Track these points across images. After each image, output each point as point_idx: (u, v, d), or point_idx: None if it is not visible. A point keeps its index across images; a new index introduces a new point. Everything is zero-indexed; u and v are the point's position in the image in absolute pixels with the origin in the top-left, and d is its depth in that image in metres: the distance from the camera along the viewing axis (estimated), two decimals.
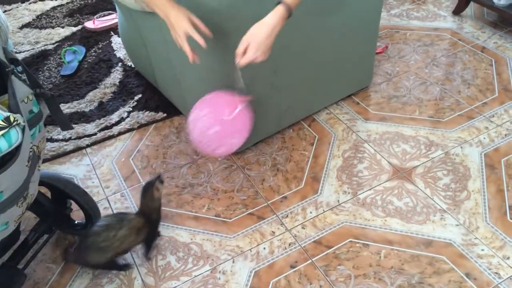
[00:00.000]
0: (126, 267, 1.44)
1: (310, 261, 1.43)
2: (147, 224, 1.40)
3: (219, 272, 1.42)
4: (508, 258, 1.38)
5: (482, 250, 1.41)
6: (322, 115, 1.94)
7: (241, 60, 1.30)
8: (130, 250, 1.45)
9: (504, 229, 1.46)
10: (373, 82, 2.07)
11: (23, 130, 0.92)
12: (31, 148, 1.00)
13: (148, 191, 1.41)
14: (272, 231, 1.52)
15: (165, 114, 1.99)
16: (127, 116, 1.99)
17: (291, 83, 1.71)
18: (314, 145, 1.81)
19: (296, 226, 1.53)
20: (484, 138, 1.77)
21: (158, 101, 2.05)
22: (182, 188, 1.69)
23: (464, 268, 1.37)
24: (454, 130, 1.81)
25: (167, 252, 1.48)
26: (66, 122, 1.16)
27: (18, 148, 0.92)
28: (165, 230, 1.55)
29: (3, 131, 0.87)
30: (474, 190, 1.58)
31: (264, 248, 1.48)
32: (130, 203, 1.64)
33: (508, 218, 1.49)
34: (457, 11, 2.44)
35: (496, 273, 1.35)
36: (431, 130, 1.83)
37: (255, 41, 1.27)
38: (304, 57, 1.66)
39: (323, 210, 1.57)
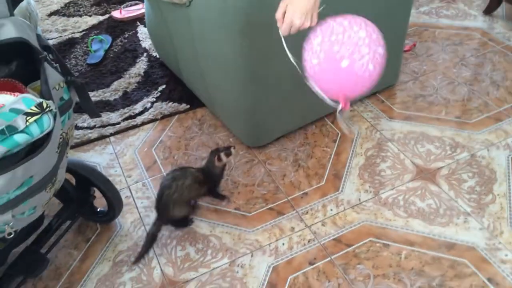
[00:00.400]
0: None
1: (329, 258, 1.42)
2: (207, 180, 1.52)
3: (238, 265, 1.42)
4: None
5: (506, 255, 1.38)
6: (345, 112, 1.92)
7: (282, 27, 1.13)
8: (197, 200, 1.59)
9: None
10: (400, 80, 2.04)
11: (54, 116, 0.94)
12: (61, 134, 1.02)
13: (212, 156, 1.51)
14: (292, 227, 1.52)
15: (188, 106, 2.00)
16: (151, 107, 2.01)
17: None
18: (337, 142, 1.80)
19: (316, 223, 1.52)
20: None
21: (181, 92, 2.06)
22: None
23: (486, 272, 1.34)
24: (481, 132, 1.78)
25: (187, 243, 1.49)
26: (95, 110, 1.17)
27: (49, 134, 0.93)
28: None
29: (36, 117, 0.89)
30: (499, 194, 1.55)
31: (283, 244, 1.47)
32: (152, 193, 1.66)
33: None
34: (488, 11, 2.38)
35: None
36: (457, 131, 1.79)
37: (292, 1, 1.11)
38: None
39: (344, 208, 1.56)
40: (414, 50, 2.21)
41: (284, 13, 1.13)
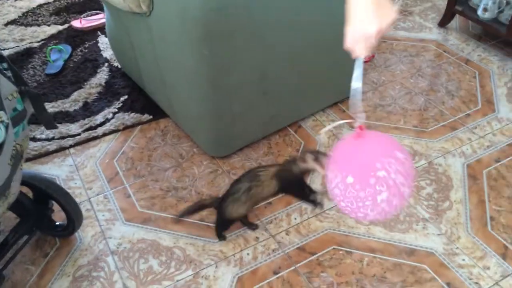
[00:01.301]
0: (254, 225, 1.54)
1: (294, 267, 1.43)
2: (283, 188, 1.39)
3: (202, 277, 1.41)
4: (488, 268, 1.40)
5: (463, 260, 1.43)
6: (308, 122, 1.95)
7: (360, 49, 0.95)
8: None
9: (485, 240, 1.48)
10: None
11: (6, 127, 0.91)
12: (14, 146, 0.99)
13: (292, 162, 1.34)
14: (256, 237, 1.52)
15: (151, 116, 1.98)
16: (112, 117, 1.97)
17: (279, 90, 1.71)
18: (300, 151, 1.82)
19: (280, 232, 1.53)
20: (467, 149, 1.79)
21: (144, 103, 2.03)
22: (166, 191, 1.68)
23: (445, 277, 1.38)
24: (437, 140, 1.84)
25: (150, 256, 1.47)
26: (51, 121, 1.14)
27: (1, 145, 0.90)
28: (148, 233, 1.53)
29: None
30: (456, 200, 1.61)
31: (248, 254, 1.47)
32: (114, 206, 1.62)
33: (489, 228, 1.51)
34: (443, 23, 2.48)
35: (476, 283, 1.37)
36: (415, 139, 1.85)
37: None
38: (292, 64, 1.67)
39: (308, 216, 1.58)
40: (373, 61, 2.27)
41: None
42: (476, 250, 1.45)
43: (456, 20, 2.54)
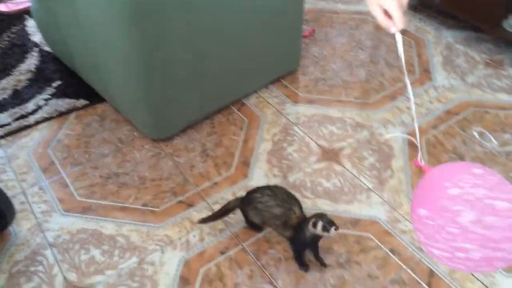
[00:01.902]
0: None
1: (241, 246, 1.41)
2: (294, 231, 1.30)
3: (147, 263, 1.37)
4: None
5: (406, 226, 1.46)
6: (251, 99, 1.92)
7: (398, 20, 0.94)
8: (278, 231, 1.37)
9: None
10: (301, 65, 2.07)
11: None
12: None
13: (310, 220, 1.24)
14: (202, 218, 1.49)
15: (87, 102, 1.89)
16: (45, 104, 1.86)
17: (217, 67, 1.67)
18: (244, 129, 1.79)
19: None
20: (406, 118, 1.83)
21: (78, 87, 1.93)
22: (106, 178, 1.61)
23: (389, 244, 1.41)
24: (378, 111, 1.87)
25: (91, 246, 1.41)
26: None
27: None
28: (88, 223, 1.47)
29: None
30: (397, 169, 1.64)
31: (194, 236, 1.44)
32: (50, 196, 1.54)
33: None
34: None
35: (419, 247, 1.40)
36: (357, 111, 1.86)
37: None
38: (228, 41, 1.63)
39: None
40: (314, 36, 2.26)
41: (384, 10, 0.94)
42: None
43: None
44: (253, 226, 1.44)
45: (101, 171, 1.63)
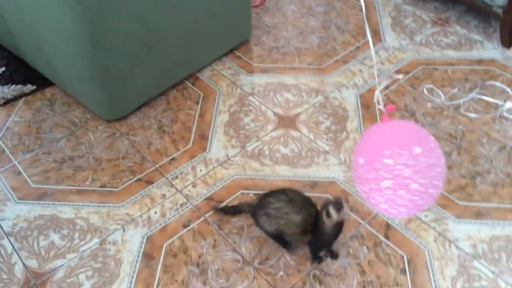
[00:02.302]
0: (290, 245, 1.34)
1: (203, 218, 1.42)
2: (313, 232, 1.25)
3: (109, 243, 1.36)
4: None
5: None
6: (205, 73, 1.91)
7: None
8: (291, 238, 1.32)
9: None
10: (254, 35, 2.06)
11: None
12: None
13: (321, 212, 1.18)
14: (163, 194, 1.48)
15: (34, 87, 1.82)
16: None
17: (166, 40, 1.64)
18: (200, 103, 1.78)
19: (187, 186, 1.51)
20: (359, 80, 1.86)
21: (25, 73, 1.86)
22: (61, 162, 1.57)
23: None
24: (331, 75, 1.88)
25: (50, 231, 1.38)
26: None
27: None
28: (45, 209, 1.44)
29: None
30: (352, 130, 1.67)
31: (156, 212, 1.43)
32: (3, 186, 1.50)
33: None
34: None
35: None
36: (311, 77, 1.88)
37: None
38: (176, 12, 1.60)
39: (213, 166, 1.56)
40: (264, 5, 2.24)
41: None
42: None
43: None
44: (274, 237, 1.33)
45: (55, 155, 1.59)
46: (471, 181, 1.49)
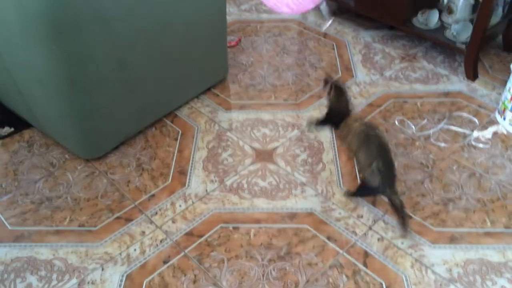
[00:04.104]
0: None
1: (183, 253, 1.42)
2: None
3: (88, 283, 1.34)
4: (362, 216, 1.52)
5: (339, 213, 1.53)
6: (184, 110, 1.95)
7: None
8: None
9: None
10: (230, 73, 2.12)
11: None
12: None
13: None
14: (142, 231, 1.48)
15: (12, 129, 1.83)
16: None
17: (144, 80, 1.68)
18: (178, 140, 1.81)
19: (166, 221, 1.51)
20: None
21: (2, 115, 1.87)
22: (38, 203, 1.57)
23: (325, 232, 1.47)
24: (306, 110, 1.94)
25: (27, 274, 1.36)
26: None
27: None
28: (22, 251, 1.42)
29: None
30: (328, 161, 1.71)
31: (135, 250, 1.43)
32: None
33: (359, 180, 1.64)
34: None
35: (353, 231, 1.47)
36: (287, 112, 1.93)
37: None
38: (152, 51, 1.65)
39: (192, 201, 1.57)
40: (240, 45, 2.32)
41: None
42: (349, 202, 1.56)
43: None
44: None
45: (33, 197, 1.59)
46: (444, 207, 1.54)
